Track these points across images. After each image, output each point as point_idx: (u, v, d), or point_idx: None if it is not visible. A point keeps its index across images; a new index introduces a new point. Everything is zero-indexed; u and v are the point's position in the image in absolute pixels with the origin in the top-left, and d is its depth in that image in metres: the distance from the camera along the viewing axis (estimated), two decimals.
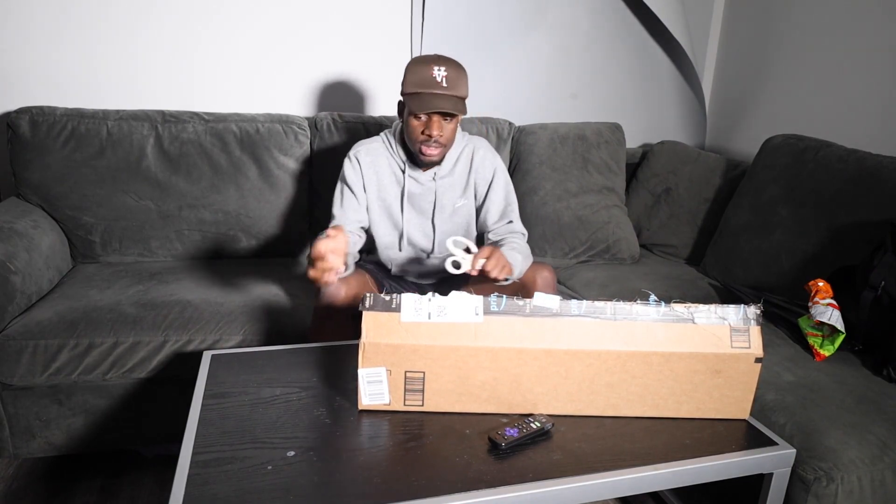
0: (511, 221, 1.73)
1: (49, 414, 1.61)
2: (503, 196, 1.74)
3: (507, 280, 1.44)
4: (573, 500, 1.02)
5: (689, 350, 1.15)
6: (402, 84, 1.57)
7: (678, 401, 1.19)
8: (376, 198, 1.69)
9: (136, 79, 2.17)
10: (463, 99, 1.59)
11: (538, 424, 1.11)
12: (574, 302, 1.15)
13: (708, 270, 2.16)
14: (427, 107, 1.52)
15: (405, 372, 1.14)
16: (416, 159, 1.65)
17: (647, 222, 2.42)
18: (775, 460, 1.12)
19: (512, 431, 1.09)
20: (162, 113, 2.04)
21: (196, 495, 0.94)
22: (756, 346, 1.15)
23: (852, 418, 1.25)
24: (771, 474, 1.13)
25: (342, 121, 2.15)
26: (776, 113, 2.44)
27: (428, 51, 2.37)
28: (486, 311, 1.13)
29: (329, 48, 2.31)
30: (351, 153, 1.70)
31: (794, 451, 1.14)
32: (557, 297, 1.15)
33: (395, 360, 1.12)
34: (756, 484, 1.15)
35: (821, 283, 1.59)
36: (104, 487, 1.66)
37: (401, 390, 1.15)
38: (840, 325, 1.48)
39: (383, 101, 2.40)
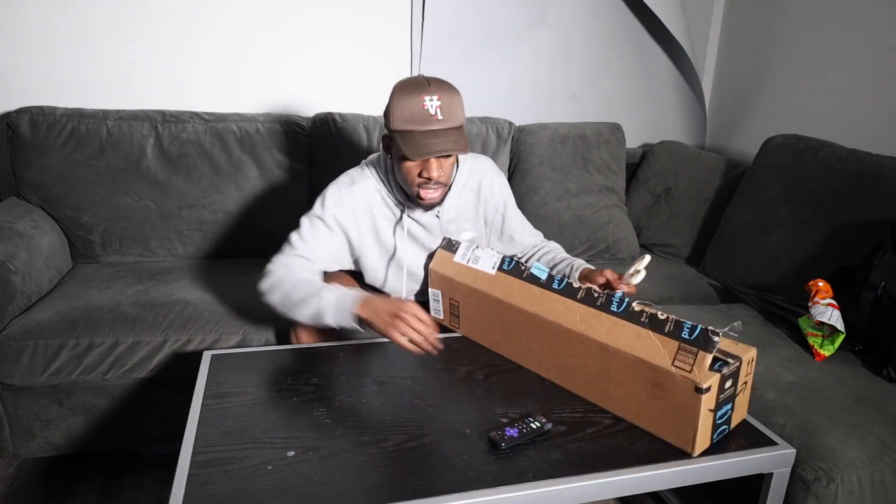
0: (538, 233, 1.72)
1: (49, 414, 1.61)
2: (520, 219, 1.68)
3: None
4: (573, 499, 1.02)
5: (623, 349, 1.12)
6: (388, 117, 1.35)
7: (634, 407, 1.14)
8: (374, 242, 1.53)
9: (136, 79, 2.17)
10: (461, 128, 1.37)
11: (538, 424, 1.11)
12: (557, 278, 1.30)
13: (708, 270, 2.16)
14: (425, 151, 1.30)
15: (449, 298, 1.49)
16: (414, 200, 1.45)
17: (647, 222, 2.42)
18: (775, 460, 1.12)
19: (512, 432, 1.09)
20: (162, 113, 2.04)
21: (196, 495, 0.94)
22: (699, 373, 1.03)
23: (852, 418, 1.25)
24: (771, 474, 1.13)
25: (342, 121, 2.15)
26: (776, 113, 2.44)
27: (428, 51, 2.37)
28: (500, 269, 1.38)
29: (329, 48, 2.31)
30: (342, 196, 1.48)
31: (794, 451, 1.14)
32: (547, 270, 1.33)
33: (444, 288, 1.50)
34: (756, 484, 1.15)
35: (821, 283, 1.59)
36: (104, 487, 1.66)
37: (448, 312, 1.51)
38: (840, 325, 1.48)
39: (383, 101, 2.39)
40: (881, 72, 2.02)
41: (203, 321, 1.64)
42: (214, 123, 2.06)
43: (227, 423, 1.12)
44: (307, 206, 2.13)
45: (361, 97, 2.37)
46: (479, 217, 1.61)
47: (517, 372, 1.34)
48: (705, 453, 1.09)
